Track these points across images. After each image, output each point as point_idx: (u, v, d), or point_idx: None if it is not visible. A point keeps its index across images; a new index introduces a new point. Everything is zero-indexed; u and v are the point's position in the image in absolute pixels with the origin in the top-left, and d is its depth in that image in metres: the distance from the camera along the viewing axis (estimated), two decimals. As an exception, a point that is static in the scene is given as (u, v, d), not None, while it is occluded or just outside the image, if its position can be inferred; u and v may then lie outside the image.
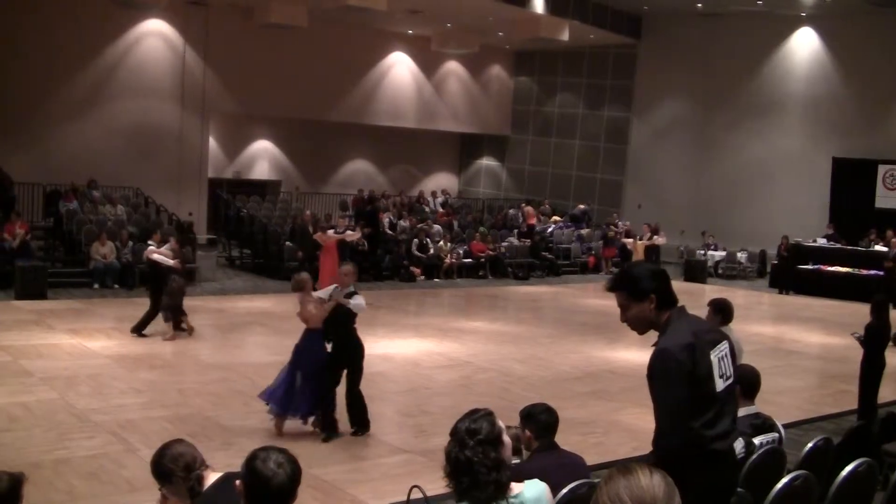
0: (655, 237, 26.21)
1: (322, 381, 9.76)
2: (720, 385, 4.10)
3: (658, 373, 4.07)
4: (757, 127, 30.77)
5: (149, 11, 26.80)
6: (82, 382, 11.80)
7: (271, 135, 32.42)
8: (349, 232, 20.24)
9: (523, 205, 32.48)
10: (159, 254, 15.32)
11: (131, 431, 9.66)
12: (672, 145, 32.87)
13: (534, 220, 31.03)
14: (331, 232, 20.10)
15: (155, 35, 27.63)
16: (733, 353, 4.26)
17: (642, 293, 4.19)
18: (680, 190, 32.20)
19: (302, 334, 10.04)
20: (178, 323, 15.34)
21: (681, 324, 4.18)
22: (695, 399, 4.01)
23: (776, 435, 6.11)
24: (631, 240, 25.26)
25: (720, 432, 4.10)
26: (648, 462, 3.96)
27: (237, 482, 3.33)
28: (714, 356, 4.10)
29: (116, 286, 20.89)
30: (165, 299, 15.02)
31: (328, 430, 9.81)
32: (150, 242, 16.30)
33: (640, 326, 4.28)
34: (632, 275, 4.32)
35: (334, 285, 10.20)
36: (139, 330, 15.09)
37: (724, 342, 4.21)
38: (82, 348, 14.04)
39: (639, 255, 25.73)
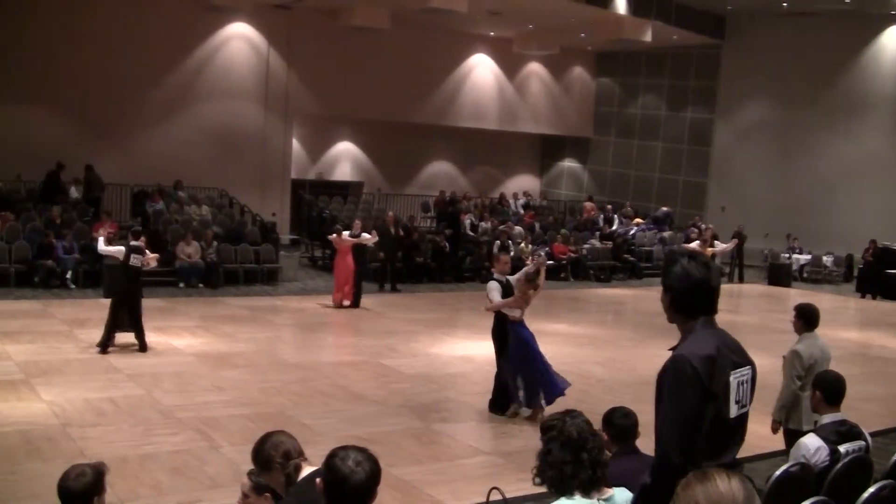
0: (717, 243, 25.15)
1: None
2: (734, 410, 3.73)
3: (670, 380, 3.69)
4: (844, 128, 30.15)
5: (234, 15, 27.28)
6: (167, 379, 12.04)
7: (354, 136, 32.67)
8: (365, 235, 19.98)
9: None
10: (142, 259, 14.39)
11: (214, 428, 9.81)
12: (756, 147, 32.36)
13: (589, 215, 30.83)
14: (345, 235, 19.93)
15: (240, 38, 28.08)
16: (754, 381, 3.89)
17: (664, 286, 3.88)
18: (764, 192, 31.65)
19: (517, 328, 10.80)
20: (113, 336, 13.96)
21: (705, 335, 3.79)
22: (705, 419, 3.65)
23: (863, 443, 5.97)
24: (697, 243, 24.52)
25: (722, 464, 3.58)
26: (652, 470, 3.82)
27: (317, 480, 3.36)
28: (733, 378, 3.74)
29: (201, 285, 21.26)
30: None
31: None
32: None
33: (667, 314, 3.94)
34: (668, 266, 3.92)
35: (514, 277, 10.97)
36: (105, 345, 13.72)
37: (748, 368, 3.84)
38: (167, 346, 14.32)
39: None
